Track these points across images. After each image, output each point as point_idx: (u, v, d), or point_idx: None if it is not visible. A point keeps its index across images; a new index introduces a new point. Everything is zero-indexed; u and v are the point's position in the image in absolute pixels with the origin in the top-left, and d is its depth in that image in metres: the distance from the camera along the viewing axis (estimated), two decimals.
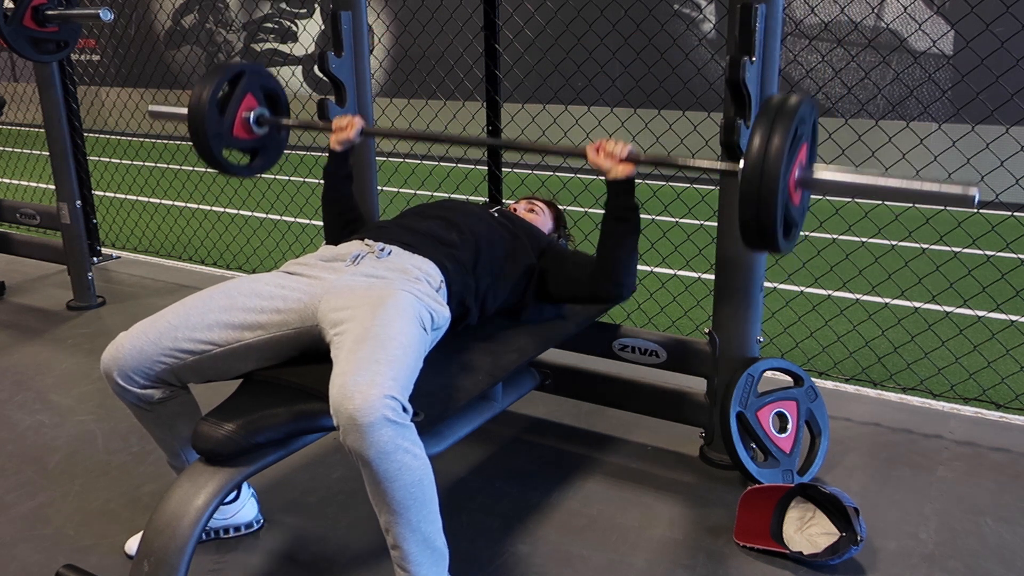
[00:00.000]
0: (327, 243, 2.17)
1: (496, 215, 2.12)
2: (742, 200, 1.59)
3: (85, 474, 2.29)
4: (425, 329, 1.65)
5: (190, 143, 2.25)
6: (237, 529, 1.99)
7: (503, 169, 3.05)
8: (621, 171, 1.88)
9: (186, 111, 2.25)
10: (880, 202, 3.90)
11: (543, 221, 2.34)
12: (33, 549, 1.96)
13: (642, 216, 1.93)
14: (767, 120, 1.58)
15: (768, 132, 1.57)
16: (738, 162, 1.62)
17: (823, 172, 1.69)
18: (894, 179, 1.64)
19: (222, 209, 5.66)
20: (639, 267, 2.00)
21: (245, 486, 2.01)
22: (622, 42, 4.10)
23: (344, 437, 1.40)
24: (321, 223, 2.27)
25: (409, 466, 1.42)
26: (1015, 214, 3.92)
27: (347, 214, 2.23)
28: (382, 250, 1.85)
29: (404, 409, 1.42)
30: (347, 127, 2.20)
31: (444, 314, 1.76)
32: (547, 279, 2.07)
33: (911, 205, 3.52)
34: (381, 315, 1.56)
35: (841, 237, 3.58)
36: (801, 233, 1.79)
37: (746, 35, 1.82)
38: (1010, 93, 3.13)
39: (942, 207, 1.86)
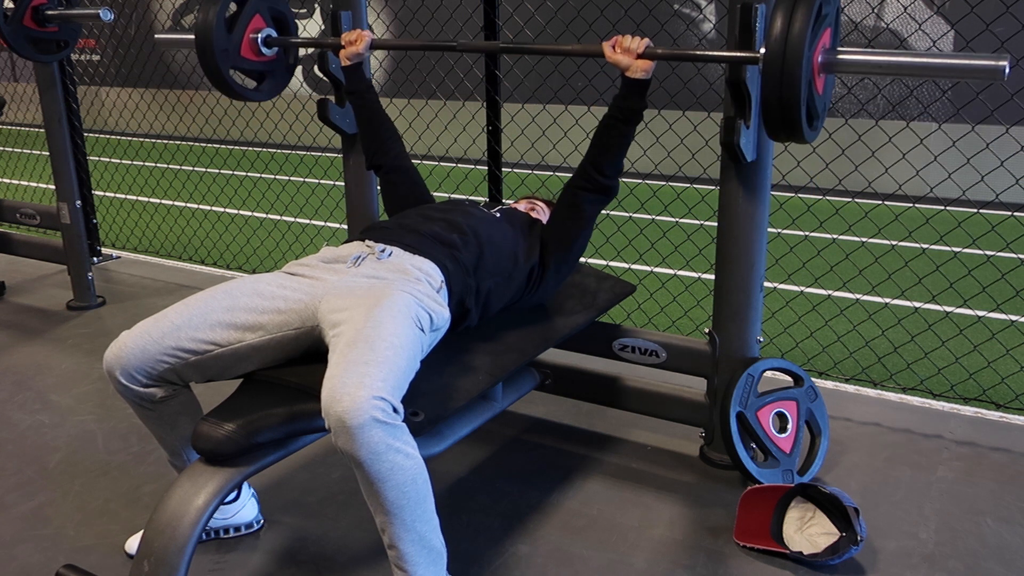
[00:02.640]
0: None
1: (498, 215, 2.11)
2: (765, 82, 1.54)
3: (85, 474, 2.29)
4: (422, 330, 1.65)
5: (191, 143, 2.25)
6: (237, 529, 1.99)
7: (503, 169, 3.05)
8: (639, 66, 1.86)
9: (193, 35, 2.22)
10: (880, 202, 3.91)
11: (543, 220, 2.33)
12: (33, 549, 1.96)
13: (642, 216, 1.93)
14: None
15: (791, 8, 1.52)
16: (757, 50, 1.58)
17: (846, 54, 1.66)
18: (921, 55, 1.62)
19: (222, 209, 5.66)
20: (639, 267, 2.00)
21: (245, 486, 2.01)
22: None
23: (335, 439, 1.41)
24: (321, 223, 2.27)
25: (401, 466, 1.42)
26: (1015, 214, 3.92)
27: (382, 130, 2.26)
28: (383, 251, 1.84)
29: (395, 410, 1.42)
30: (356, 40, 2.24)
31: (444, 315, 1.75)
32: (548, 242, 2.07)
33: (911, 205, 3.53)
34: (374, 316, 1.56)
35: (841, 237, 3.58)
36: (801, 233, 1.78)
37: (746, 35, 1.82)
38: (1010, 93, 3.13)
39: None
